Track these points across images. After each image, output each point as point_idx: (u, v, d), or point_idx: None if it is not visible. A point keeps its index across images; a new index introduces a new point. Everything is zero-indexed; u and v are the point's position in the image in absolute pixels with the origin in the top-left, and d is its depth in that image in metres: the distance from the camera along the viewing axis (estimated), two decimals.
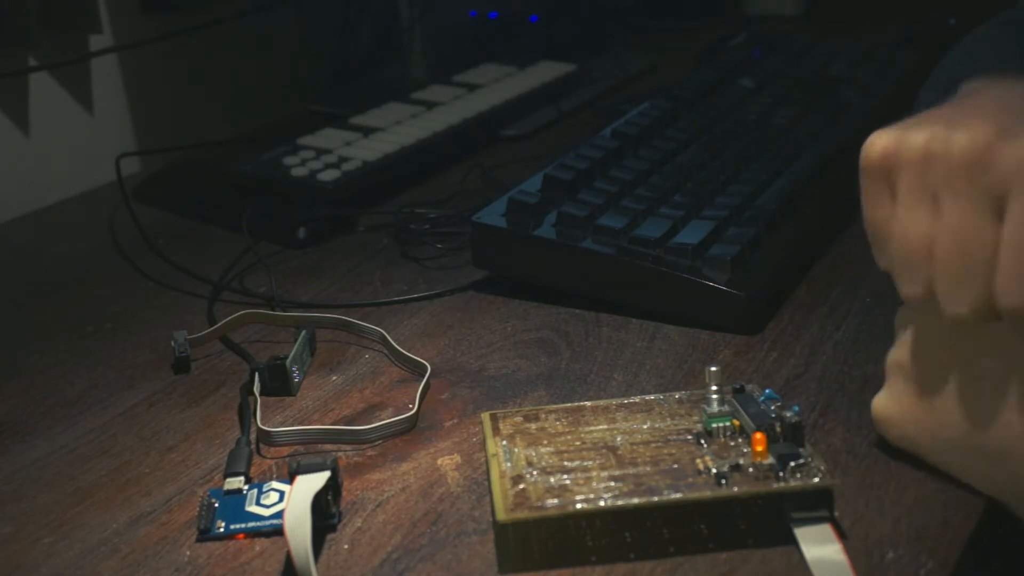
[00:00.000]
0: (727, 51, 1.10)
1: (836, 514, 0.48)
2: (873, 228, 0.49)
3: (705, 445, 0.51)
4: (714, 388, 0.53)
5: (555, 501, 0.48)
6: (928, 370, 0.50)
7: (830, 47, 1.03)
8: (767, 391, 0.54)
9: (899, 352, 0.51)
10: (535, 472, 0.50)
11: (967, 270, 0.45)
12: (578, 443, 0.52)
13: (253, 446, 0.57)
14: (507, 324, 0.69)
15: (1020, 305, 0.44)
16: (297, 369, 0.63)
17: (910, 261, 0.48)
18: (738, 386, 0.54)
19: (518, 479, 0.50)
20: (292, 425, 0.59)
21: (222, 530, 0.51)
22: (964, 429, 0.48)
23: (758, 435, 0.50)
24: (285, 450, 0.57)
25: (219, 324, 0.68)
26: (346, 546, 0.50)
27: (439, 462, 0.55)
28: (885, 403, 0.52)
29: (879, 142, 0.49)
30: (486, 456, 0.53)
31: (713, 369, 0.54)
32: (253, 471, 0.55)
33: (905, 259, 0.48)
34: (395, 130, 0.95)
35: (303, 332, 0.66)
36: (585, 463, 0.50)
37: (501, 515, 0.47)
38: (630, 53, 1.23)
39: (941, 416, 0.49)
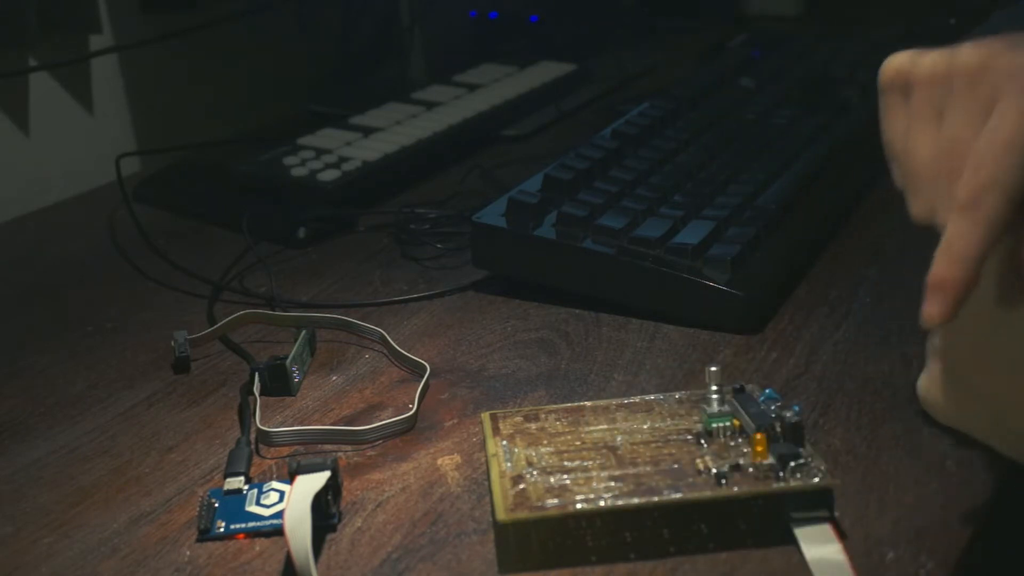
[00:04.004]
0: (727, 51, 1.10)
1: (836, 514, 0.48)
2: (890, 146, 0.50)
3: (705, 445, 0.51)
4: (714, 388, 0.53)
5: (555, 501, 0.48)
6: (962, 353, 0.50)
7: (830, 47, 1.03)
8: (767, 391, 0.54)
9: (936, 336, 0.52)
10: (535, 472, 0.50)
11: (953, 176, 0.45)
12: (578, 443, 0.52)
13: (253, 446, 0.57)
14: (507, 324, 0.68)
15: (963, 201, 0.44)
16: (297, 369, 0.63)
17: (915, 177, 0.48)
18: (738, 386, 0.54)
19: (518, 479, 0.50)
20: (292, 425, 0.59)
21: (222, 530, 0.51)
22: (996, 409, 0.48)
23: (758, 435, 0.50)
24: (285, 450, 0.57)
25: (219, 324, 0.68)
26: (346, 546, 0.50)
27: (439, 462, 0.55)
28: (926, 385, 0.53)
29: (895, 61, 0.49)
30: (486, 456, 0.53)
31: (713, 369, 0.54)
32: (253, 471, 0.55)
33: (911, 175, 0.48)
34: (395, 130, 0.95)
35: (303, 332, 0.66)
36: (585, 463, 0.50)
37: (501, 515, 0.47)
38: (630, 53, 1.22)
39: (976, 398, 0.49)
